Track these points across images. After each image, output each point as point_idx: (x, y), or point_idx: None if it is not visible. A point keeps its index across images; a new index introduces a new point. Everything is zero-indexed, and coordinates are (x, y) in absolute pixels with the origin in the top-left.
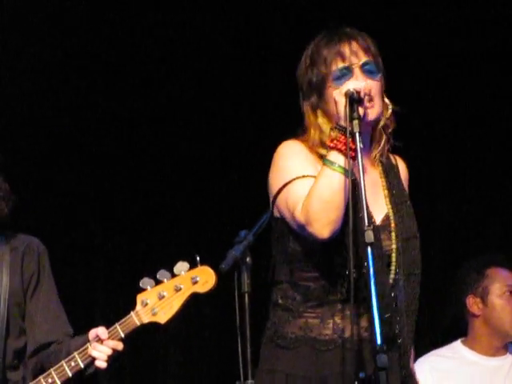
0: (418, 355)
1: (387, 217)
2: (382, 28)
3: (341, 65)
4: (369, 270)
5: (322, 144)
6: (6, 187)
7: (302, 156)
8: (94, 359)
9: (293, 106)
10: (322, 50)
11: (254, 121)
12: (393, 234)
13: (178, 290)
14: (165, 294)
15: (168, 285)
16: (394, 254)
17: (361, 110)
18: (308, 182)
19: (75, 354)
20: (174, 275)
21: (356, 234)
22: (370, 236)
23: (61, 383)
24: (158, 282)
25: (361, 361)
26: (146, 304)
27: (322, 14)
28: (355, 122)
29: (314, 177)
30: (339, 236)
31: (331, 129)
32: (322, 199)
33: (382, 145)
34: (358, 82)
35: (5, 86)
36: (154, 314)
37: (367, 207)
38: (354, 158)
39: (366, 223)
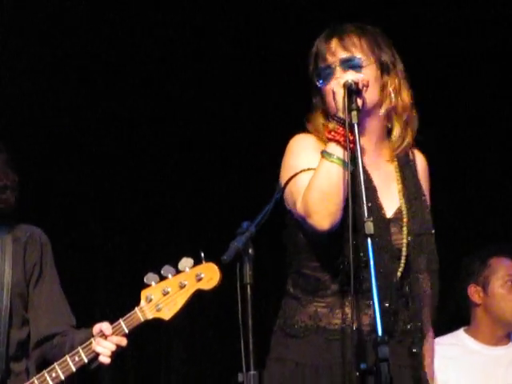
0: None
1: (399, 211)
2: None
3: (322, 65)
4: (369, 262)
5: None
6: (14, 178)
7: (310, 149)
8: (97, 354)
9: (293, 106)
10: (313, 49)
11: (254, 121)
12: (404, 229)
13: (182, 286)
14: (169, 290)
15: (172, 281)
16: (404, 249)
17: (359, 101)
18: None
19: (79, 348)
20: (178, 271)
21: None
22: (369, 227)
23: (65, 378)
24: (162, 278)
25: (369, 351)
26: (151, 300)
27: (322, 14)
28: (353, 113)
29: None
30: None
31: (329, 120)
32: (321, 191)
33: (396, 138)
34: (355, 74)
35: (5, 86)
36: (159, 310)
37: (377, 199)
38: (353, 150)
39: (366, 215)
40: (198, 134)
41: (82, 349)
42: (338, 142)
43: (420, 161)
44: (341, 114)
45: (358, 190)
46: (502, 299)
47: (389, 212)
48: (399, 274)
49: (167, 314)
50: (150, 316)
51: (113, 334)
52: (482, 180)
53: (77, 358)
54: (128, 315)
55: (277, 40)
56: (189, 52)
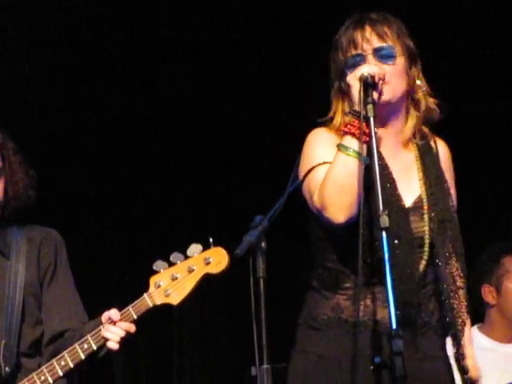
0: None
1: (420, 199)
2: None
3: (353, 52)
4: (384, 255)
5: None
6: (34, 176)
7: (326, 144)
8: (106, 341)
9: (293, 106)
10: (341, 37)
11: (254, 121)
12: (425, 216)
13: (190, 271)
14: (178, 275)
15: (181, 266)
16: (426, 236)
17: (375, 95)
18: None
19: (88, 336)
20: (187, 257)
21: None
22: (384, 221)
23: (73, 365)
24: (171, 264)
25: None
26: (159, 286)
27: (322, 14)
28: (369, 106)
29: None
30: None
31: (345, 113)
32: (337, 184)
33: (413, 126)
34: (372, 67)
35: (5, 86)
36: (167, 296)
37: (395, 190)
38: (368, 143)
39: (381, 208)
40: (197, 133)
41: (91, 336)
42: (353, 134)
43: (442, 150)
44: (357, 107)
45: (374, 182)
46: None
47: (408, 201)
48: (424, 262)
49: (176, 299)
50: (158, 301)
51: (121, 320)
52: (494, 177)
53: (86, 346)
54: (136, 301)
55: (277, 40)
56: (189, 52)
